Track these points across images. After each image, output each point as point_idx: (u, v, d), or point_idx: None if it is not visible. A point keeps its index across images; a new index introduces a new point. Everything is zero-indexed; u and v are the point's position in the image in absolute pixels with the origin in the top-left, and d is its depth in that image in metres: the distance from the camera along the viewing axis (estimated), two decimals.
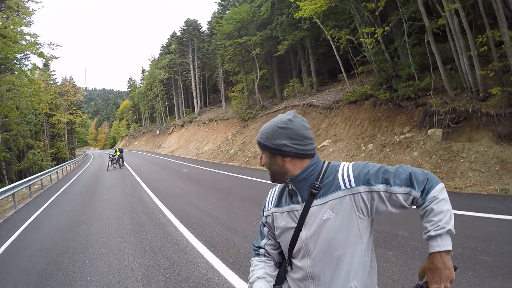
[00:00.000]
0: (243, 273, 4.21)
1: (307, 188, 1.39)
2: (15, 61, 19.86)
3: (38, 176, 17.75)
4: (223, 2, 40.58)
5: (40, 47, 20.29)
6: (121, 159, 25.79)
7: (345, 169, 1.37)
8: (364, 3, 14.15)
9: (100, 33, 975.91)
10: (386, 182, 1.29)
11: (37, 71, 27.84)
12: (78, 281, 4.65)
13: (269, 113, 24.82)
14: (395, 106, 13.26)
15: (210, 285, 4.09)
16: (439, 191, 1.26)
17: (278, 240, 1.53)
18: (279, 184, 1.60)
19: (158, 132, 60.65)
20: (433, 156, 9.68)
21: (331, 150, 14.14)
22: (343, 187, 1.32)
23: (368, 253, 1.38)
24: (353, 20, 16.92)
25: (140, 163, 28.52)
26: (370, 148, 12.26)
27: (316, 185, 1.36)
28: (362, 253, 1.35)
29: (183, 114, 53.73)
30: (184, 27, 51.14)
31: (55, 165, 37.23)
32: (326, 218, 1.32)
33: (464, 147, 9.35)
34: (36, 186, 18.77)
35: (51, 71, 50.56)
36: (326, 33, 18.31)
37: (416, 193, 1.27)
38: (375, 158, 11.48)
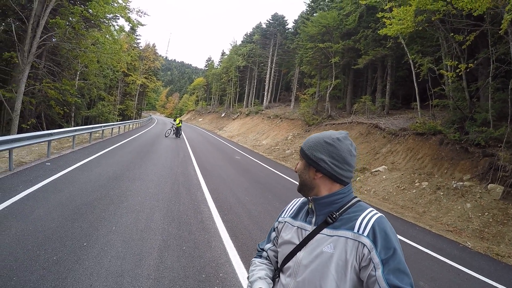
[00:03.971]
0: None
1: (325, 214, 1.38)
2: (104, 20, 21.22)
3: (101, 126, 18.88)
4: (312, 3, 40.37)
5: (129, 12, 21.56)
6: (180, 130, 27.10)
7: (369, 217, 1.31)
8: (453, 34, 13.62)
9: (189, 9, 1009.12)
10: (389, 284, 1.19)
11: (123, 33, 29.49)
12: (104, 227, 5.15)
13: (333, 124, 24.62)
14: (461, 150, 12.68)
15: (218, 269, 4.34)
16: None
17: (278, 249, 1.53)
18: (302, 198, 1.58)
19: (223, 115, 62.01)
20: (486, 214, 9.21)
21: (384, 177, 13.89)
22: (355, 230, 1.28)
23: None
24: (439, 48, 16.36)
25: (197, 139, 29.61)
26: (424, 186, 11.90)
27: (334, 216, 1.34)
28: None
29: (251, 104, 54.67)
30: (271, 21, 51.65)
31: (120, 121, 39.60)
32: (325, 251, 1.30)
33: None
34: (97, 135, 20.21)
35: (136, 35, 53.13)
36: (409, 56, 17.85)
37: None
38: (425, 198, 11.15)
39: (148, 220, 5.82)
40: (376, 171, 14.86)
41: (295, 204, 1.60)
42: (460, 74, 13.70)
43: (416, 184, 12.30)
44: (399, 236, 7.39)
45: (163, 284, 3.73)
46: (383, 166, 15.01)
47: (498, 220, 8.82)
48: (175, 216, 6.31)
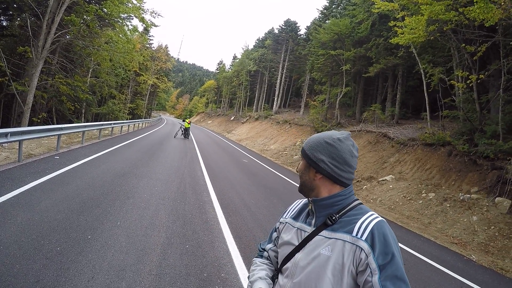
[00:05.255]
0: None
1: (324, 216, 1.36)
2: (118, 19, 21.39)
3: (110, 124, 19.11)
4: (325, 11, 40.44)
5: (142, 13, 21.67)
6: (188, 131, 27.36)
7: (368, 220, 1.28)
8: (465, 45, 13.54)
9: (202, 12, 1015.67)
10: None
11: (136, 33, 29.75)
12: (109, 221, 5.19)
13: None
14: (469, 162, 12.55)
15: (220, 269, 4.35)
16: None
17: (278, 250, 1.52)
18: (304, 200, 1.57)
19: (232, 118, 62.24)
20: (492, 227, 9.09)
21: (391, 186, 13.79)
22: (354, 233, 1.26)
23: None
24: (451, 59, 16.26)
25: (206, 141, 29.75)
26: (431, 197, 11.79)
27: (333, 218, 1.33)
28: None
29: (260, 108, 54.71)
30: (283, 26, 51.80)
31: (130, 119, 39.89)
32: (322, 253, 1.28)
33: None
34: (106, 132, 20.53)
35: (149, 36, 53.59)
36: (420, 66, 17.77)
37: None
38: (431, 209, 11.05)
39: (153, 217, 5.85)
40: (383, 180, 14.76)
41: (297, 205, 1.58)
42: (471, 85, 13.59)
43: (423, 195, 12.19)
44: (403, 246, 7.36)
45: (164, 281, 3.74)
46: (390, 176, 14.90)
47: (504, 234, 8.70)
48: (180, 215, 6.34)
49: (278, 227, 1.60)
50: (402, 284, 1.18)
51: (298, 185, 1.47)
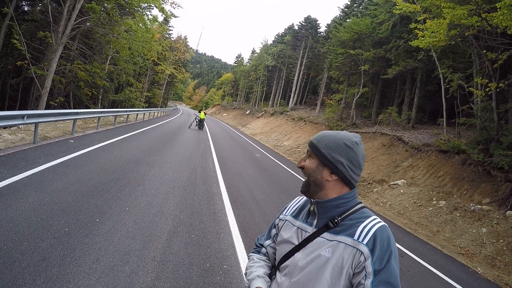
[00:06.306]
0: None
1: (327, 218, 1.35)
2: (139, 8, 21.54)
3: (126, 111, 19.20)
4: (346, 9, 40.05)
5: (163, 3, 21.74)
6: (203, 122, 27.60)
7: (371, 225, 1.28)
8: (486, 51, 13.28)
9: (222, 5, 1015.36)
10: None
11: (156, 23, 29.81)
12: (118, 206, 5.27)
13: (357, 132, 24.37)
14: (483, 172, 12.34)
15: (223, 261, 4.39)
16: None
17: (276, 247, 1.51)
18: (305, 197, 1.55)
19: (248, 112, 62.22)
20: (501, 241, 8.93)
21: (402, 191, 13.67)
22: (356, 237, 1.26)
23: None
24: (471, 65, 16.00)
25: (220, 134, 29.85)
26: (441, 205, 11.65)
27: (335, 221, 1.32)
28: None
29: (276, 104, 54.66)
30: (303, 23, 51.44)
31: (147, 107, 40.15)
32: (322, 254, 1.28)
33: None
34: (122, 119, 20.65)
35: (169, 26, 53.81)
36: (440, 71, 17.56)
37: None
38: (441, 217, 10.92)
39: (161, 205, 5.92)
40: (395, 184, 14.63)
41: (298, 202, 1.58)
42: (490, 93, 13.34)
43: (433, 202, 12.05)
44: (409, 253, 7.32)
45: (167, 268, 3.79)
46: (402, 180, 14.76)
47: None
48: (188, 204, 6.40)
49: (277, 224, 1.58)
50: None
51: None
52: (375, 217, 1.33)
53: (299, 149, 26.74)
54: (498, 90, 12.89)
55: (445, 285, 6.00)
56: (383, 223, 1.30)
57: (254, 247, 1.68)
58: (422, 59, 20.35)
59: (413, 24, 17.62)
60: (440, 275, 6.43)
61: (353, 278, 1.24)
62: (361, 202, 1.40)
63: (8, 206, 4.28)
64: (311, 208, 1.41)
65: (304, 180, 1.42)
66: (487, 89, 12.99)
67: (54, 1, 18.47)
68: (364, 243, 1.23)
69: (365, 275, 1.19)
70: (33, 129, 8.73)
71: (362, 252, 1.22)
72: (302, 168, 1.41)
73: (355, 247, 1.24)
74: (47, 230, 3.89)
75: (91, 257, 3.57)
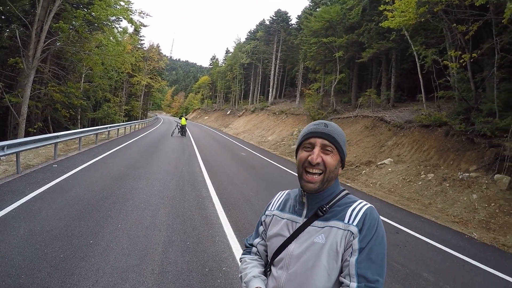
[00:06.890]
0: None
1: (316, 207, 1.37)
2: (107, 22, 21.35)
3: (106, 127, 19.28)
4: None
5: (131, 14, 21.65)
6: (185, 128, 27.57)
7: (359, 207, 1.31)
8: (456, 24, 13.50)
9: (192, 9, 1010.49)
10: (359, 273, 1.20)
11: (126, 35, 29.49)
12: (110, 225, 5.27)
13: (339, 118, 24.60)
14: (467, 141, 12.60)
15: (221, 263, 4.43)
16: None
17: (267, 243, 1.51)
18: (288, 190, 1.60)
19: (229, 112, 62.16)
20: (492, 204, 9.15)
21: (389, 169, 13.86)
22: (346, 220, 1.29)
23: None
24: (443, 40, 16.18)
25: (203, 137, 29.81)
26: (430, 178, 11.86)
27: (324, 209, 1.34)
28: None
29: (256, 101, 54.65)
30: (274, 17, 51.48)
31: (127, 121, 39.81)
32: (316, 241, 1.29)
33: None
34: (103, 136, 20.50)
35: (140, 36, 53.27)
36: (413, 48, 17.74)
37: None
38: (431, 189, 11.12)
39: (153, 217, 5.92)
40: (382, 164, 14.82)
41: (281, 197, 1.59)
42: (464, 64, 13.57)
43: (421, 176, 12.26)
44: (404, 228, 7.44)
45: (167, 279, 3.81)
46: (389, 159, 14.96)
47: (505, 210, 8.76)
48: (180, 212, 6.41)
49: (264, 221, 1.58)
50: (377, 268, 1.22)
51: (306, 180, 1.35)
52: (362, 200, 1.36)
53: (283, 142, 26.84)
54: (472, 60, 13.12)
55: (443, 254, 6.11)
56: (370, 204, 1.34)
57: (244, 249, 1.68)
58: (395, 39, 20.57)
59: (382, 6, 17.78)
60: (437, 246, 6.54)
61: (342, 257, 1.27)
62: (345, 189, 1.43)
63: (0, 242, 4.24)
64: (302, 200, 1.41)
65: (316, 176, 1.34)
66: (461, 61, 13.20)
67: (22, 25, 18.12)
68: (354, 224, 1.26)
69: (351, 252, 1.23)
70: (15, 159, 8.59)
71: (352, 233, 1.25)
72: (318, 164, 1.32)
73: (346, 230, 1.27)
74: (42, 259, 3.87)
75: (90, 280, 3.56)
